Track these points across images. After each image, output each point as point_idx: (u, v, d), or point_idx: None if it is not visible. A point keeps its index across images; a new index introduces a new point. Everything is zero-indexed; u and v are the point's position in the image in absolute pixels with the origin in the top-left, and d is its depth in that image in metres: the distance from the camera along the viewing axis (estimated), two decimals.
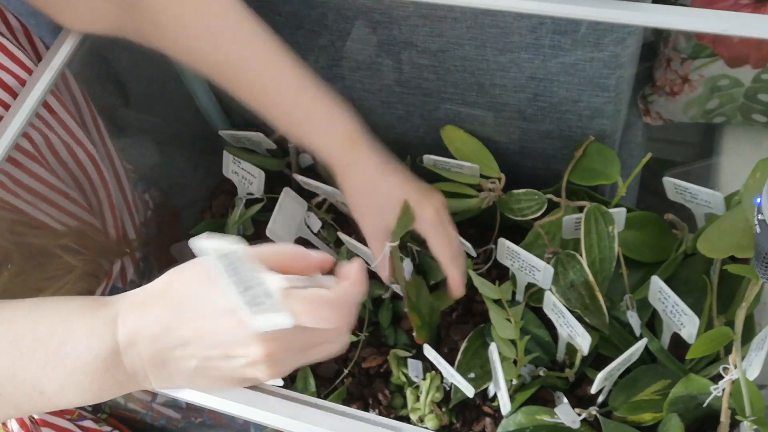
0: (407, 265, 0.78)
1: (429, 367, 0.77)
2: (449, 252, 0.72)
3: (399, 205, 0.70)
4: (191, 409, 0.78)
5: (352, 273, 0.51)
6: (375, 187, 0.70)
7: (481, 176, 0.81)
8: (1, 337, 0.50)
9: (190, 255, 0.49)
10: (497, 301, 0.75)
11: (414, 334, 0.77)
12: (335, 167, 0.71)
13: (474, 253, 0.81)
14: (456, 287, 0.74)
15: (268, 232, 0.75)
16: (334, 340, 0.51)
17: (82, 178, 0.81)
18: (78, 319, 0.50)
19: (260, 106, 0.68)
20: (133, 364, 0.49)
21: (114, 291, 0.84)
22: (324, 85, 0.69)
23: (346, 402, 0.79)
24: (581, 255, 0.72)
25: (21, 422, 0.73)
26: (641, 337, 0.71)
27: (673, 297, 0.67)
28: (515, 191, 0.79)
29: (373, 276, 0.75)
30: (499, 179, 0.80)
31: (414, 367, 0.77)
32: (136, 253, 0.91)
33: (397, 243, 0.72)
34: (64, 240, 0.73)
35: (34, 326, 0.50)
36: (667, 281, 0.68)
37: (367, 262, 0.80)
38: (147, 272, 0.90)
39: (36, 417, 0.74)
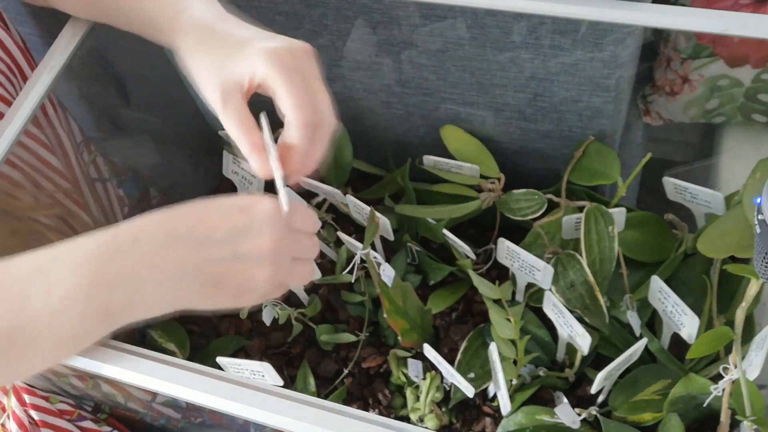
0: (388, 270, 0.75)
1: (429, 367, 0.77)
2: (306, 113, 0.53)
3: (231, 41, 0.56)
4: (191, 408, 0.78)
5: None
6: (206, 32, 0.57)
7: (481, 176, 0.81)
8: None
9: None
10: (497, 301, 0.75)
11: (400, 338, 0.76)
12: (167, 36, 0.60)
13: (473, 255, 0.81)
14: (297, 166, 0.55)
15: None
16: (309, 257, 0.54)
17: (46, 173, 0.79)
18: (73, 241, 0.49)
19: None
20: (132, 266, 0.48)
21: None
22: None
23: (346, 402, 0.79)
24: (581, 255, 0.72)
25: (19, 423, 0.73)
26: (641, 337, 0.71)
27: (673, 297, 0.67)
28: (515, 191, 0.79)
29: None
30: (499, 179, 0.80)
31: (414, 367, 0.77)
32: None
33: (367, 251, 0.70)
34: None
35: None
36: (667, 281, 0.68)
37: (367, 263, 0.80)
38: None
39: (36, 418, 0.74)
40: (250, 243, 0.49)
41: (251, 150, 0.54)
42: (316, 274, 0.60)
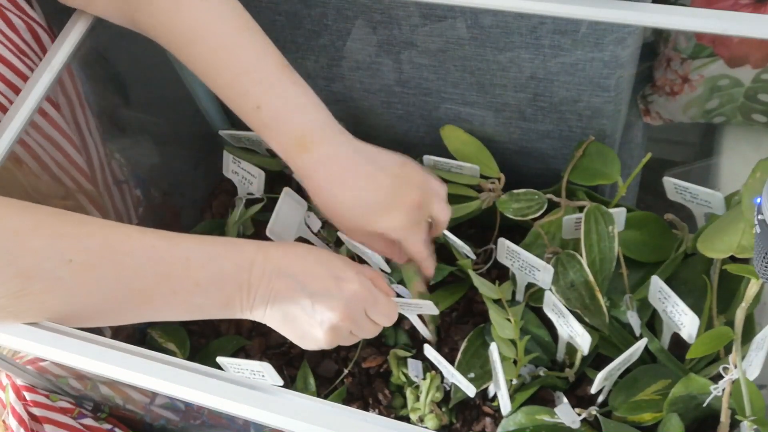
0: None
1: (429, 367, 0.77)
2: (423, 253, 0.73)
3: (359, 211, 0.68)
4: (189, 411, 0.78)
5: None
6: (336, 198, 0.67)
7: (481, 176, 0.81)
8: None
9: None
10: (497, 301, 0.75)
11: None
12: (294, 172, 0.68)
13: (473, 255, 0.81)
14: (430, 274, 0.76)
15: (268, 232, 0.75)
16: (370, 335, 0.68)
17: (72, 173, 0.80)
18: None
19: (214, 89, 0.66)
20: (257, 273, 0.59)
21: None
22: (285, 77, 0.65)
23: (346, 402, 0.79)
24: (581, 255, 0.72)
25: (20, 419, 0.73)
26: (641, 337, 0.71)
27: (673, 297, 0.67)
28: (515, 191, 0.79)
29: None
30: (499, 179, 0.80)
31: (414, 367, 0.77)
32: None
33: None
34: None
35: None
36: (667, 281, 0.68)
37: (367, 263, 0.80)
38: None
39: (37, 414, 0.74)
40: (325, 307, 0.61)
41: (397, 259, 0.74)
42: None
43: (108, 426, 0.81)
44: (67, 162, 0.79)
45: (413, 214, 0.69)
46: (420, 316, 0.77)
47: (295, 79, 0.66)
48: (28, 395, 0.75)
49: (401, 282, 0.78)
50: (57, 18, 0.76)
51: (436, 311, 0.72)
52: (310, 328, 0.62)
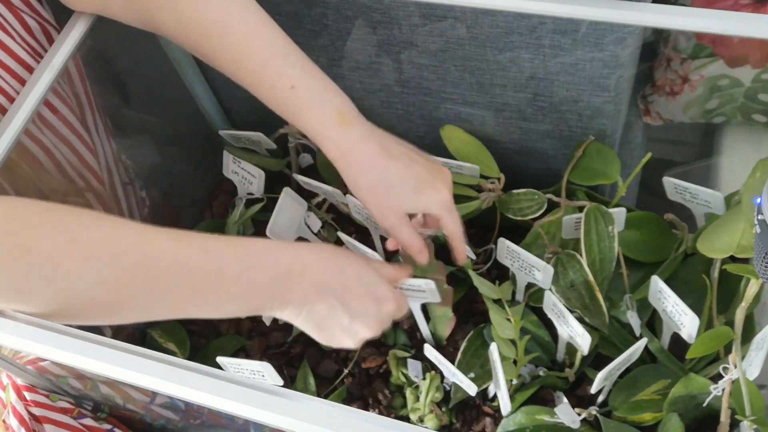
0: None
1: (429, 367, 0.77)
2: (460, 230, 0.72)
3: (409, 184, 0.68)
4: (189, 411, 0.78)
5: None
6: (381, 174, 0.67)
7: (481, 176, 0.81)
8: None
9: None
10: (497, 301, 0.75)
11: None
12: (329, 150, 0.68)
13: (473, 255, 0.81)
14: (462, 258, 0.75)
15: (268, 232, 0.75)
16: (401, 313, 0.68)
17: (84, 173, 0.81)
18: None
19: (243, 76, 0.67)
20: (292, 285, 0.59)
21: None
22: (311, 62, 0.67)
23: (346, 402, 0.79)
24: (581, 255, 0.72)
25: (21, 419, 0.73)
26: (641, 337, 0.71)
27: (673, 297, 0.67)
28: (515, 191, 0.79)
29: None
30: (499, 179, 0.80)
31: (414, 367, 0.77)
32: None
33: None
34: None
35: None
36: (667, 281, 0.68)
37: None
38: None
39: (38, 414, 0.74)
40: (363, 325, 0.63)
41: (418, 251, 0.71)
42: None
43: (108, 426, 0.81)
44: (78, 161, 0.80)
45: (450, 192, 0.71)
46: (426, 315, 0.77)
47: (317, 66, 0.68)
48: (28, 395, 0.75)
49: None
50: (66, 18, 0.76)
51: (438, 299, 0.73)
52: (343, 337, 0.64)
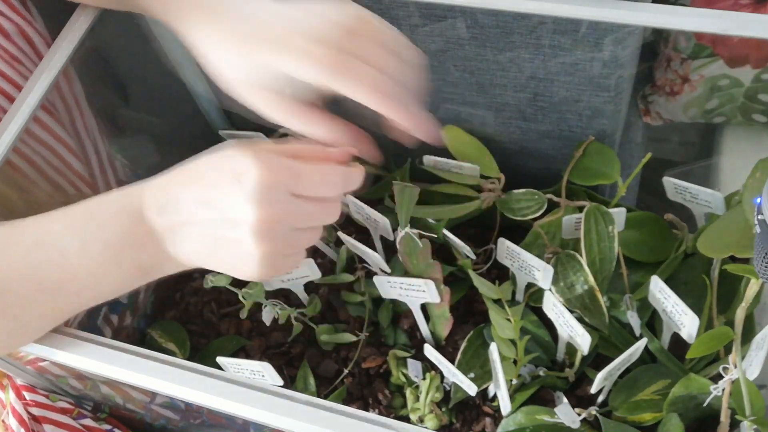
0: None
1: (429, 367, 0.77)
2: (368, 88, 0.51)
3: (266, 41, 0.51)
4: (189, 410, 0.78)
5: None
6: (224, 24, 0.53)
7: (481, 176, 0.81)
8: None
9: None
10: (497, 301, 0.75)
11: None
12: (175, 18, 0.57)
13: (473, 255, 0.81)
14: (414, 126, 0.54)
15: None
16: (324, 219, 0.53)
17: (72, 180, 0.80)
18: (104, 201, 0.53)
19: None
20: (151, 223, 0.51)
21: None
22: None
23: (346, 402, 0.79)
24: (581, 255, 0.72)
25: (20, 420, 0.73)
26: (641, 337, 0.71)
27: (673, 297, 0.67)
28: (515, 191, 0.79)
29: (372, 274, 0.75)
30: (499, 179, 0.80)
31: (414, 367, 0.77)
32: None
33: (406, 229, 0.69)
34: None
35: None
36: (667, 281, 0.68)
37: (367, 263, 0.80)
38: None
39: (37, 414, 0.74)
40: (239, 215, 0.48)
41: (304, 120, 0.54)
42: (336, 216, 0.55)
43: (108, 426, 0.81)
44: (64, 167, 0.79)
45: (347, 39, 0.51)
46: (425, 316, 0.77)
47: None
48: (27, 395, 0.75)
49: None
50: (57, 19, 0.76)
51: (437, 299, 0.72)
52: (235, 244, 0.50)
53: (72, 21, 0.72)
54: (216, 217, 0.49)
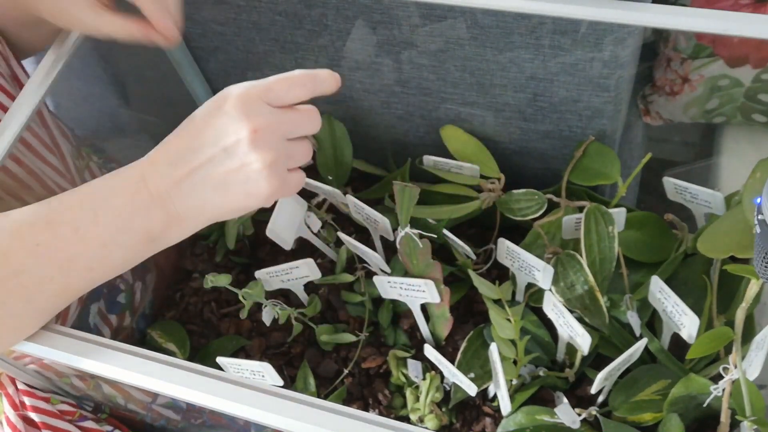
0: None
1: (429, 367, 0.77)
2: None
3: None
4: (191, 410, 0.78)
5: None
6: None
7: (481, 176, 0.81)
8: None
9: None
10: (497, 301, 0.75)
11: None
12: None
13: (473, 255, 0.81)
14: (161, 27, 0.61)
15: (268, 233, 0.75)
16: (308, 126, 0.55)
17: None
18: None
19: None
20: (156, 185, 0.53)
21: (111, 293, 0.84)
22: None
23: (346, 402, 0.79)
24: (581, 255, 0.72)
25: (14, 428, 0.73)
26: (641, 337, 0.71)
27: (673, 297, 0.67)
28: (515, 191, 0.79)
29: (372, 274, 0.76)
30: (499, 179, 0.80)
31: (414, 368, 0.77)
32: None
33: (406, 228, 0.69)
34: None
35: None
36: (667, 281, 0.68)
37: (367, 263, 0.80)
38: (144, 274, 0.90)
39: (37, 420, 0.74)
40: (233, 137, 0.52)
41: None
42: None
43: (109, 427, 0.81)
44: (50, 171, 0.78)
45: None
46: (425, 316, 0.77)
47: None
48: (28, 401, 0.75)
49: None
50: None
51: (438, 299, 0.72)
52: (240, 170, 0.53)
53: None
54: (215, 152, 0.52)
